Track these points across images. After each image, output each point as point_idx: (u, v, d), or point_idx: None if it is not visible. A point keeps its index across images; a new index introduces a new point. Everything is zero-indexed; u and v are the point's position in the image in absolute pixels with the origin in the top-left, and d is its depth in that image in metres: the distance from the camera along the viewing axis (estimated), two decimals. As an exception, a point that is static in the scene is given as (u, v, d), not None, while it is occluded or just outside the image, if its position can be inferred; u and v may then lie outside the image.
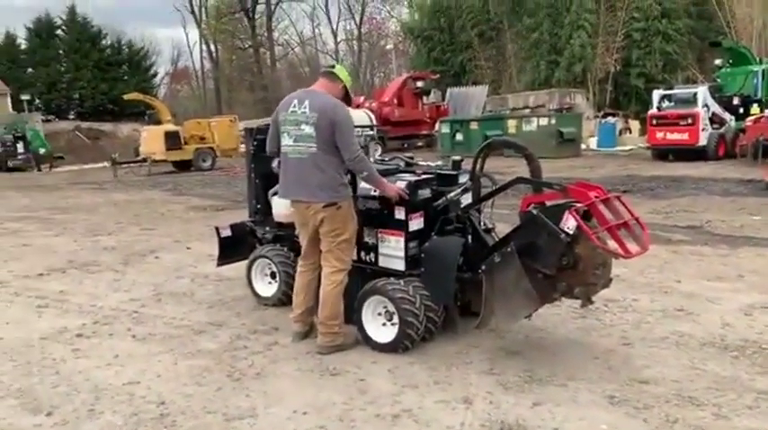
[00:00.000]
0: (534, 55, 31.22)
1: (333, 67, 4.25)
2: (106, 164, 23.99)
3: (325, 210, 3.94)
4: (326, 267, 4.08)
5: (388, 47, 45.61)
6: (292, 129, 3.99)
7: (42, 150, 26.36)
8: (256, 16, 48.13)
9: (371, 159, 5.08)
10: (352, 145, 3.91)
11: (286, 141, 4.04)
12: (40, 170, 25.43)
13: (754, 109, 18.33)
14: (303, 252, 4.26)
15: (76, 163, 27.89)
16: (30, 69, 39.42)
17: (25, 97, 31.87)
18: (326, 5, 51.49)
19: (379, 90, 30.76)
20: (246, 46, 49.41)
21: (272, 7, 48.00)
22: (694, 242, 7.18)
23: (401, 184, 4.07)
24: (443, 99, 30.82)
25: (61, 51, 40.52)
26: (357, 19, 48.59)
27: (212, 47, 49.56)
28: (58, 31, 41.20)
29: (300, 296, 4.27)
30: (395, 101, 26.05)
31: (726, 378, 3.57)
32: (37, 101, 37.79)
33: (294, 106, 4.01)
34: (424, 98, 27.97)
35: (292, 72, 49.15)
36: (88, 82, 39.00)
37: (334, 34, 49.97)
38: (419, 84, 27.65)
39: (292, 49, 52.83)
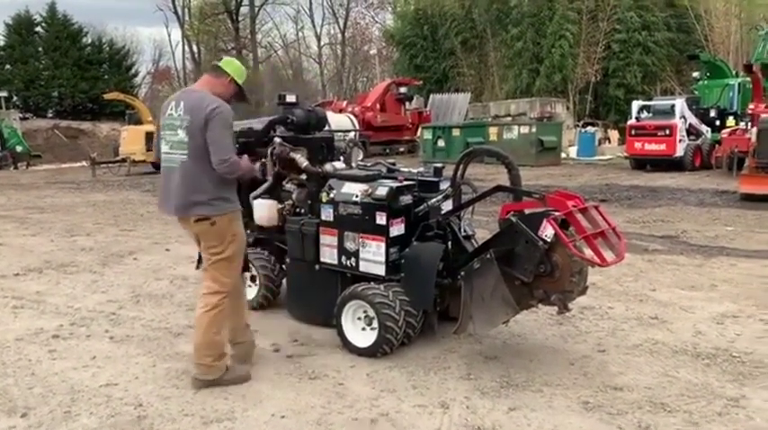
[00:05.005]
0: (516, 63, 31.53)
1: (220, 59, 3.85)
2: (85, 163, 23.74)
3: (197, 224, 3.60)
4: (203, 287, 3.71)
5: (371, 52, 45.72)
6: (168, 135, 3.60)
7: (19, 148, 25.98)
8: (240, 18, 47.95)
9: (353, 164, 5.12)
10: (223, 147, 3.49)
11: (163, 148, 3.65)
12: (16, 168, 25.06)
13: (730, 121, 18.70)
14: None
15: (54, 162, 27.56)
16: (8, 66, 38.81)
17: (2, 94, 31.37)
18: (311, 9, 51.30)
19: (362, 95, 30.80)
20: (229, 47, 49.16)
21: (256, 9, 47.85)
22: (670, 251, 7.31)
23: (382, 190, 4.10)
24: (426, 105, 30.99)
25: (40, 48, 39.93)
26: (341, 23, 48.63)
27: (195, 47, 49.28)
28: (38, 28, 40.61)
29: None
30: (377, 106, 26.09)
31: (697, 385, 3.65)
32: (14, 98, 37.22)
33: (171, 109, 3.61)
34: (407, 104, 28.08)
35: (275, 75, 48.93)
36: (67, 80, 38.47)
37: (318, 38, 49.91)
38: (402, 89, 27.77)
39: (275, 51, 52.66)
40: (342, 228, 4.29)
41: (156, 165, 21.10)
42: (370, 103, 26.07)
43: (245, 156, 3.99)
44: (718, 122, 19.06)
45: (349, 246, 4.28)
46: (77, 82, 38.77)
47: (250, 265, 5.01)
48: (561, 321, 4.71)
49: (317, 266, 4.48)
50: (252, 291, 5.09)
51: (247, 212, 5.09)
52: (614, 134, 26.83)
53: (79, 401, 3.53)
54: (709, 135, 18.37)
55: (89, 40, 41.97)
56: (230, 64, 3.77)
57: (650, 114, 18.13)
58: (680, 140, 17.26)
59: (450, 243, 4.21)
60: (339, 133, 5.60)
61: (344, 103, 27.74)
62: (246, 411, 3.39)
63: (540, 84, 30.08)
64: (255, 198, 4.94)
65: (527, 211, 3.81)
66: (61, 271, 6.73)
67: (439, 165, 4.65)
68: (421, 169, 4.85)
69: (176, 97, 3.67)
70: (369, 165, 5.12)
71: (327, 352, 4.18)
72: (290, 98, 5.19)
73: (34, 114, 37.15)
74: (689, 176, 16.03)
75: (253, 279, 5.09)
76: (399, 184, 4.23)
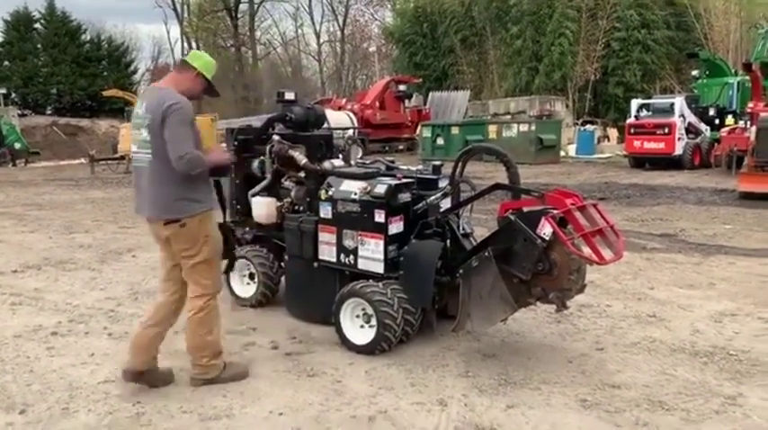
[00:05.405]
0: (516, 61, 31.55)
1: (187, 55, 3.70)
2: (83, 160, 23.70)
3: (166, 227, 3.48)
4: (188, 291, 3.64)
5: (371, 49, 45.67)
6: (135, 134, 3.52)
7: (18, 145, 25.97)
8: (239, 15, 47.87)
9: (352, 162, 5.12)
10: (178, 143, 3.32)
11: (132, 147, 3.59)
12: (15, 165, 25.04)
13: (729, 120, 18.73)
14: (160, 272, 3.78)
15: (53, 159, 27.55)
16: (6, 63, 38.80)
17: (1, 91, 31.38)
18: (310, 6, 51.17)
19: (362, 92, 30.79)
20: (228, 45, 49.10)
21: (255, 6, 47.78)
22: (668, 250, 7.31)
23: (381, 188, 4.10)
24: (425, 103, 30.99)
25: (39, 45, 39.92)
26: (340, 20, 48.56)
27: (194, 44, 49.19)
28: (37, 25, 40.62)
29: (144, 318, 3.77)
30: (377, 104, 26.08)
31: (695, 383, 3.66)
32: (13, 95, 37.18)
33: (138, 107, 3.55)
34: (406, 102, 28.07)
35: (274, 72, 48.87)
36: (66, 77, 38.47)
37: (317, 35, 49.86)
38: (401, 87, 27.76)
39: (274, 48, 52.60)
40: (340, 226, 4.29)
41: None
42: (369, 101, 26.05)
43: (214, 151, 3.89)
44: (717, 121, 19.10)
45: (348, 243, 4.28)
46: (76, 79, 38.76)
47: (249, 265, 5.02)
48: (559, 319, 4.71)
49: (315, 264, 4.47)
50: (250, 289, 5.09)
51: (246, 210, 5.11)
52: (613, 132, 26.85)
53: (77, 398, 3.53)
54: (708, 133, 18.39)
55: (88, 37, 42.00)
56: (198, 58, 3.64)
57: (649, 113, 18.14)
58: (679, 139, 17.27)
59: (448, 241, 4.20)
60: (338, 131, 5.59)
61: (344, 100, 27.73)
62: (245, 408, 3.39)
63: (540, 82, 30.11)
64: (254, 195, 4.93)
65: (525, 209, 3.81)
66: (60, 268, 6.73)
67: (438, 162, 4.65)
68: (420, 167, 4.85)
69: (142, 95, 3.58)
70: (368, 162, 5.12)
71: (326, 349, 4.18)
72: (289, 95, 5.19)
73: (33, 111, 37.10)
74: (688, 175, 16.05)
75: (251, 277, 5.10)
76: (398, 182, 4.23)
